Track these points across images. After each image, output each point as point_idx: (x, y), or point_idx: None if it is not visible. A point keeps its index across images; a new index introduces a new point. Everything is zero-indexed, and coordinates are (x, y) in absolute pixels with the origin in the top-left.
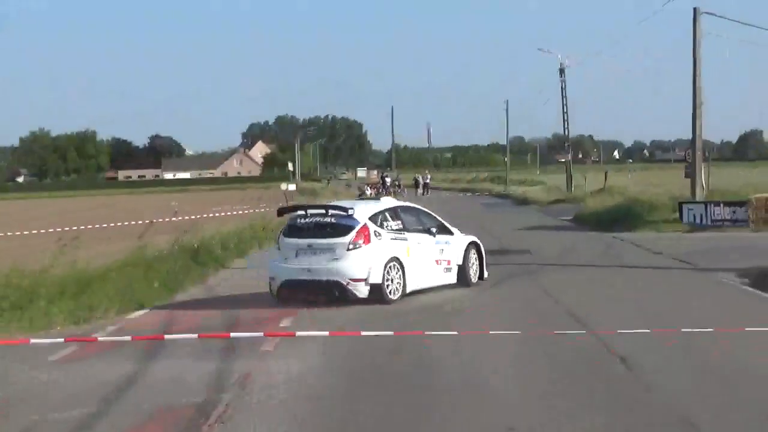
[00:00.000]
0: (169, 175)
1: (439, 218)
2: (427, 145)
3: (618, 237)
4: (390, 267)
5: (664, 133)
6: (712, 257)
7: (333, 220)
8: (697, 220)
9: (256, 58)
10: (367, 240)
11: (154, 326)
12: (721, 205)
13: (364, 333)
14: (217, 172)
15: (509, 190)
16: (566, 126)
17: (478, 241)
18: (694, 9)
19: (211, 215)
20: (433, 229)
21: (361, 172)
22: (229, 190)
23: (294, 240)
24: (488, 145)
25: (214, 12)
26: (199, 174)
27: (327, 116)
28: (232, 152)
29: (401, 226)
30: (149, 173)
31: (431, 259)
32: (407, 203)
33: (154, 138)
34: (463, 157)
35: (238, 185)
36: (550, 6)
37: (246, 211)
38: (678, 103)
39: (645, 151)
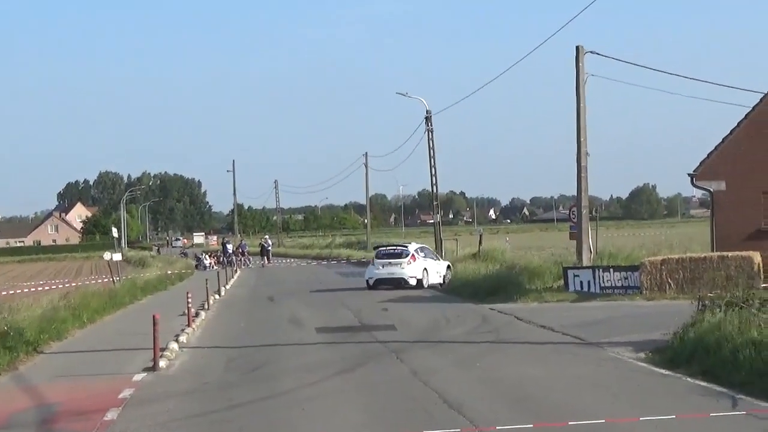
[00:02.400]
0: None
1: (434, 252)
2: (275, 206)
3: (496, 309)
4: (423, 272)
5: (545, 190)
6: (603, 330)
7: (399, 250)
8: (585, 288)
9: (72, 103)
10: (414, 260)
11: None
12: (611, 270)
13: None
14: (28, 241)
15: (371, 257)
16: (434, 182)
17: (450, 263)
18: (577, 47)
19: (19, 291)
20: (435, 256)
21: (199, 238)
22: (43, 261)
23: (381, 260)
24: (345, 205)
25: (30, 52)
26: (7, 243)
27: (159, 173)
28: (45, 217)
29: (425, 255)
30: None
31: (435, 271)
32: (425, 246)
33: None
34: (316, 219)
35: (54, 255)
36: (416, 53)
37: (65, 286)
38: (561, 156)
39: (524, 209)
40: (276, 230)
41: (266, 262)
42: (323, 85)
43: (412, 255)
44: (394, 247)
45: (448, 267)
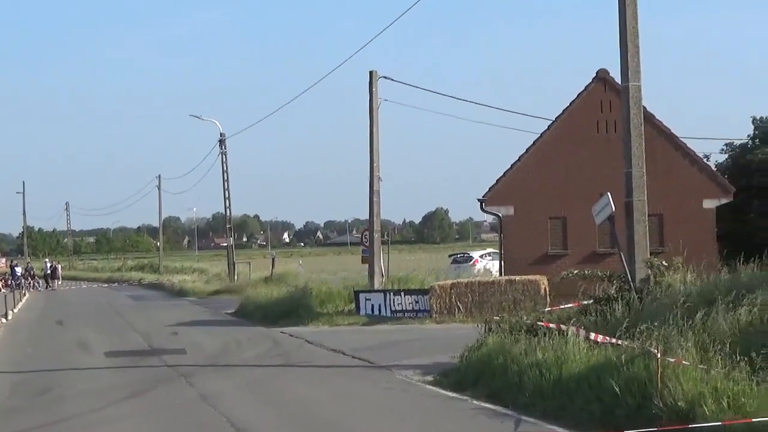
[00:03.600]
0: None
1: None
2: (66, 228)
3: (287, 332)
4: (486, 270)
5: (339, 213)
6: (392, 353)
7: (466, 257)
8: (376, 311)
9: None
10: (477, 263)
11: None
12: (402, 293)
13: None
14: None
15: (163, 280)
16: (228, 205)
17: None
18: (371, 72)
19: None
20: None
21: None
22: None
23: (453, 264)
24: (139, 227)
25: None
26: None
27: None
28: None
29: (492, 258)
30: None
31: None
32: (495, 251)
33: None
34: (109, 241)
35: None
36: (213, 76)
37: None
38: (354, 180)
39: (318, 233)
40: (67, 253)
41: (55, 285)
42: (116, 104)
43: (475, 260)
44: (463, 254)
45: None
